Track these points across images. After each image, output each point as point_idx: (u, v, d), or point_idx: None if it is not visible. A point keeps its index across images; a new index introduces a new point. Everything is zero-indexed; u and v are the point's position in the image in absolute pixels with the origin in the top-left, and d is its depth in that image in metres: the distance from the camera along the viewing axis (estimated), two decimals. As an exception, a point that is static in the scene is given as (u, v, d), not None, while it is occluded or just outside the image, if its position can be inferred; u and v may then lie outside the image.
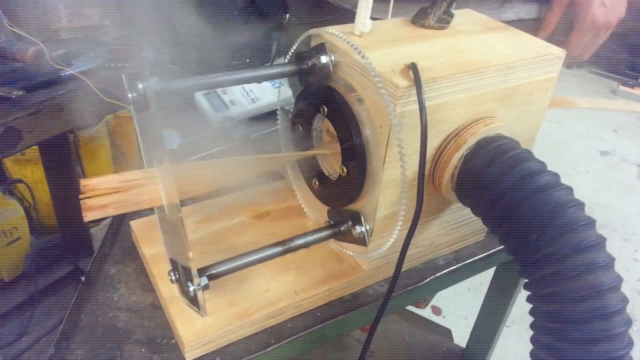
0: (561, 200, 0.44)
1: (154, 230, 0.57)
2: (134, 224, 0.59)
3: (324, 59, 0.49)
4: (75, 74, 0.97)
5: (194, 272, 0.42)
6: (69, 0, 1.14)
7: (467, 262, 0.61)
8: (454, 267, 0.61)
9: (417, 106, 0.44)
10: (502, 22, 0.88)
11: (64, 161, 1.41)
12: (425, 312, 1.79)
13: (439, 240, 0.60)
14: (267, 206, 0.64)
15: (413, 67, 0.45)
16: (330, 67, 0.49)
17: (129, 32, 1.15)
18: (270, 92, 0.84)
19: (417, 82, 0.44)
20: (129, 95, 0.42)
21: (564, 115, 2.98)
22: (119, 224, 0.62)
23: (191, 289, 0.42)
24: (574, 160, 2.61)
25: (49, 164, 1.43)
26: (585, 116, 2.97)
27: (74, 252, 1.44)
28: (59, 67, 0.97)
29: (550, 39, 0.90)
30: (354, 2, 0.80)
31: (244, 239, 0.58)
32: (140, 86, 0.41)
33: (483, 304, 0.85)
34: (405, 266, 0.59)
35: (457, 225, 0.60)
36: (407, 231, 0.53)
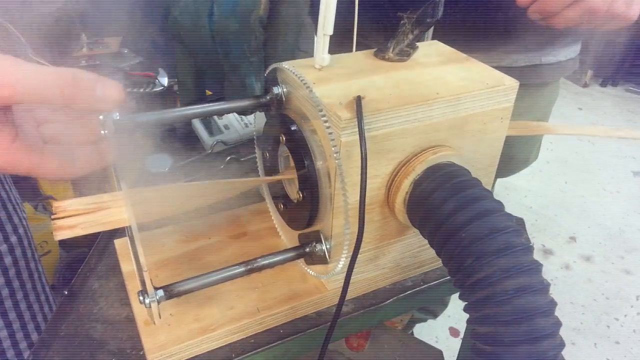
0: (497, 226, 0.46)
1: (135, 248, 0.61)
2: (117, 242, 0.64)
3: (275, 90, 0.53)
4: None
5: (148, 284, 0.46)
6: (91, 29, 1.22)
7: (434, 283, 0.63)
8: (421, 287, 0.63)
9: (362, 136, 0.47)
10: (541, 65, 0.89)
11: (91, 178, 1.49)
12: (443, 334, 1.79)
13: (405, 262, 0.62)
14: (246, 227, 0.67)
15: (357, 99, 0.48)
16: (283, 97, 0.53)
17: (146, 60, 1.22)
18: (263, 118, 0.89)
19: (359, 113, 0.47)
20: (102, 132, 0.47)
21: (596, 134, 2.91)
22: (107, 242, 0.66)
23: (147, 300, 0.46)
24: (605, 181, 2.55)
25: (77, 182, 1.52)
26: (619, 135, 2.89)
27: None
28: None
29: None
30: (374, 38, 0.83)
31: (217, 258, 0.62)
32: (100, 117, 0.45)
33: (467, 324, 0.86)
34: (372, 287, 0.62)
35: (423, 247, 0.62)
36: (363, 254, 0.56)
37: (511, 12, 0.84)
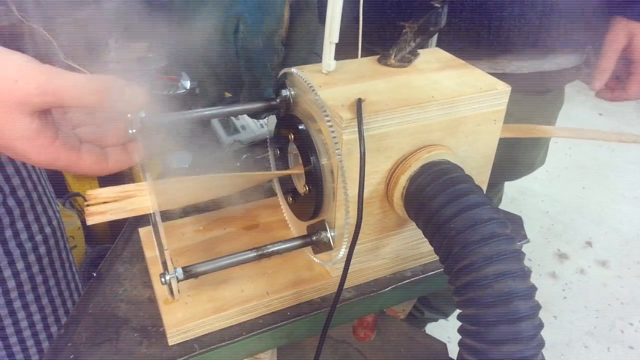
0: (482, 218, 0.50)
1: (157, 236, 0.67)
2: (142, 230, 0.70)
3: (284, 93, 0.58)
4: (118, 101, 1.11)
5: (169, 263, 0.52)
6: (119, 35, 1.29)
7: (432, 273, 0.68)
8: (419, 277, 0.67)
9: (362, 135, 0.52)
10: (544, 72, 0.93)
11: (117, 177, 1.57)
12: (455, 334, 1.82)
13: (406, 254, 0.67)
14: (258, 219, 0.73)
15: (358, 101, 0.53)
16: (291, 99, 0.59)
17: (170, 64, 1.29)
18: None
19: (359, 114, 0.52)
20: (129, 131, 0.53)
21: (615, 140, 2.91)
22: (132, 230, 0.72)
23: (167, 277, 0.52)
24: (623, 187, 2.55)
25: (103, 179, 1.60)
26: (638, 141, 2.89)
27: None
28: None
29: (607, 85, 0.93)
30: (381, 44, 0.88)
31: (230, 247, 0.68)
32: (128, 116, 0.51)
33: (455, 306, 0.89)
34: (373, 276, 0.67)
35: (422, 240, 0.66)
36: (364, 245, 0.61)
37: (515, 21, 0.88)
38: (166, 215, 0.72)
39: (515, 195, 2.49)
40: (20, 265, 0.80)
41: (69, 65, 1.15)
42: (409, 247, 0.66)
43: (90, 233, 1.75)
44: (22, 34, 1.23)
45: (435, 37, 0.77)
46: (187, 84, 1.27)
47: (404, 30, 0.64)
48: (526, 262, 1.97)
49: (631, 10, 0.83)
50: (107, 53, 1.27)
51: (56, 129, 0.48)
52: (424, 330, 1.67)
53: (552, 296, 1.95)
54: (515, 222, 0.77)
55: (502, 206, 1.31)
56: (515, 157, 1.07)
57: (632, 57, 0.85)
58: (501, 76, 0.93)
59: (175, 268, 0.53)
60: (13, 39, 1.25)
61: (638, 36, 0.83)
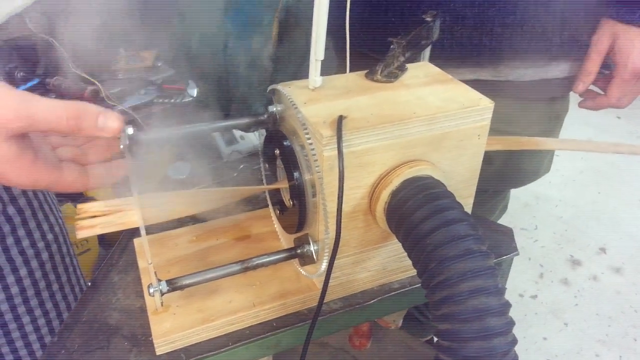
0: (458, 234, 0.51)
1: (151, 247, 0.69)
2: (136, 240, 0.72)
3: (270, 109, 0.60)
4: (124, 109, 1.14)
5: (152, 276, 0.53)
6: (128, 44, 1.32)
7: (418, 285, 0.68)
8: (406, 289, 0.68)
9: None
10: (548, 79, 0.93)
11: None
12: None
13: (392, 266, 0.67)
14: (250, 230, 0.74)
15: (338, 119, 0.54)
16: (277, 115, 0.60)
17: (177, 73, 1.31)
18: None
19: (339, 131, 0.53)
20: (120, 145, 0.54)
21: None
22: (128, 240, 0.74)
23: (151, 290, 0.54)
24: (640, 192, 2.51)
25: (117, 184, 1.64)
26: (657, 145, 2.84)
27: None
28: (112, 103, 1.14)
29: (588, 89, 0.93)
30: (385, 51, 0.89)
31: (222, 258, 0.69)
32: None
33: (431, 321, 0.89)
34: (361, 287, 0.68)
35: (409, 253, 0.67)
36: (349, 257, 0.62)
37: (517, 28, 0.88)
38: (161, 226, 0.74)
39: (529, 200, 2.47)
40: (23, 271, 0.83)
41: (78, 74, 1.17)
42: (394, 260, 0.67)
43: (104, 236, 1.79)
44: (34, 45, 1.26)
45: (428, 50, 0.78)
46: (194, 92, 1.29)
47: (391, 46, 0.64)
48: (538, 268, 1.96)
49: (615, 11, 0.82)
50: (117, 62, 1.30)
51: (35, 151, 0.49)
52: (432, 337, 1.66)
53: (564, 303, 1.94)
54: (505, 234, 0.77)
55: (515, 211, 1.29)
56: (519, 165, 1.07)
57: (614, 59, 0.84)
58: (504, 84, 0.94)
59: (160, 281, 0.55)
60: (25, 50, 1.28)
61: (621, 37, 0.82)
